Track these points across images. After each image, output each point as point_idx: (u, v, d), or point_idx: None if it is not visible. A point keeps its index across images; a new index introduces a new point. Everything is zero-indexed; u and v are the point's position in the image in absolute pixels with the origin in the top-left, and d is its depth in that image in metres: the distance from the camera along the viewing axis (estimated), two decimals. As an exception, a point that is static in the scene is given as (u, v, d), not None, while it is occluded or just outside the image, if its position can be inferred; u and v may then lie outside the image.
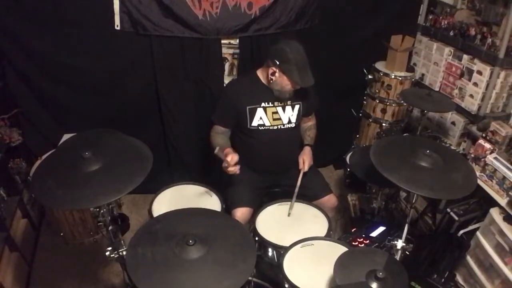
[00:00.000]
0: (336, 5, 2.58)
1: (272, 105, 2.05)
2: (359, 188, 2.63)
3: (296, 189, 2.04)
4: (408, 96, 2.43)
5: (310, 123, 2.31)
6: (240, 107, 2.03)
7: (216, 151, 1.93)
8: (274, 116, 2.05)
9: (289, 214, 1.99)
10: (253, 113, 2.03)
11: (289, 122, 2.08)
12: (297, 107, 2.09)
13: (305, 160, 2.13)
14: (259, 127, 2.05)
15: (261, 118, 2.04)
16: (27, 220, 2.46)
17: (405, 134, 2.89)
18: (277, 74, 1.92)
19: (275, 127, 2.06)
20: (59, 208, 2.25)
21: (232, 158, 1.87)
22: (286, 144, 2.12)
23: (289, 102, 2.07)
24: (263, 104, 2.03)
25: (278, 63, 1.89)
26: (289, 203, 2.03)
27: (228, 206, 2.03)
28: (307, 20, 2.53)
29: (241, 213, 1.98)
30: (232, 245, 1.31)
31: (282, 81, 1.94)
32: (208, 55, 2.46)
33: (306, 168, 2.11)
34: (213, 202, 2.01)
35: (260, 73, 2.06)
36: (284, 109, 2.07)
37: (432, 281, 1.95)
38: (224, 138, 2.08)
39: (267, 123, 2.05)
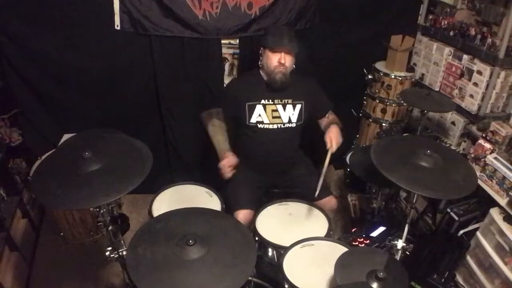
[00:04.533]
0: (336, 5, 2.58)
1: (272, 102, 2.05)
2: (359, 188, 2.64)
3: (324, 170, 1.90)
4: (408, 96, 2.43)
5: (331, 117, 2.22)
6: (239, 103, 2.04)
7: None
8: (274, 114, 2.05)
9: (316, 195, 1.88)
10: (252, 109, 2.03)
11: (290, 121, 2.08)
12: (298, 106, 2.09)
13: (333, 138, 1.97)
14: (258, 125, 2.05)
15: (259, 115, 2.04)
16: (27, 220, 2.46)
17: (405, 134, 2.89)
18: (263, 53, 2.00)
19: (275, 126, 2.06)
20: (59, 209, 2.25)
21: (227, 161, 1.90)
22: (285, 143, 2.11)
23: (290, 101, 2.07)
24: (262, 101, 2.04)
25: (260, 42, 2.02)
26: (289, 203, 2.04)
27: (228, 207, 2.03)
28: (307, 20, 2.53)
29: (242, 215, 1.98)
30: (232, 245, 1.30)
31: (267, 58, 1.98)
32: (208, 55, 2.46)
33: (334, 147, 1.96)
34: (213, 202, 2.01)
35: (261, 70, 2.07)
36: (284, 108, 2.06)
37: (432, 281, 1.95)
38: (224, 134, 2.08)
39: (266, 121, 2.05)
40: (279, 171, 2.19)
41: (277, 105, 2.05)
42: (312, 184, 2.17)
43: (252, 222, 1.95)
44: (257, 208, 2.02)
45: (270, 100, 2.05)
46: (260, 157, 2.12)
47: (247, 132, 2.09)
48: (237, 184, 2.08)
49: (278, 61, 1.95)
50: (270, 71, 1.98)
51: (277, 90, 2.04)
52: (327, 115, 2.21)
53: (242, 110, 2.04)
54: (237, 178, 2.13)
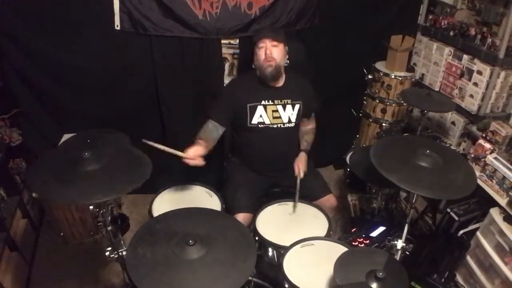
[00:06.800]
0: (336, 5, 2.58)
1: (272, 103, 2.05)
2: (359, 188, 2.64)
3: (297, 194, 2.02)
4: (408, 96, 2.43)
5: (309, 126, 2.30)
6: (240, 105, 2.03)
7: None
8: (274, 115, 2.06)
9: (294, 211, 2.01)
10: (253, 110, 2.03)
11: (289, 121, 2.08)
12: (297, 106, 2.09)
13: (300, 167, 2.14)
14: (259, 125, 2.05)
15: (261, 116, 2.04)
16: (27, 220, 2.46)
17: (405, 134, 2.89)
18: (254, 54, 2.02)
19: (275, 126, 2.06)
20: (56, 200, 2.20)
21: (191, 151, 1.91)
22: (285, 142, 2.12)
23: (289, 101, 2.07)
24: (263, 102, 2.04)
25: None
26: (289, 203, 2.04)
27: (228, 209, 2.03)
28: (307, 20, 2.53)
29: (241, 218, 1.97)
30: (232, 245, 1.31)
31: (256, 56, 2.01)
32: (208, 55, 2.46)
33: (302, 175, 2.12)
34: (213, 202, 2.01)
35: (256, 71, 2.07)
36: (284, 108, 2.07)
37: (432, 281, 1.94)
38: (208, 133, 2.03)
39: (267, 121, 2.05)
40: (279, 170, 2.20)
41: (277, 106, 2.06)
42: (312, 184, 2.18)
43: (252, 222, 1.95)
44: (256, 210, 2.01)
45: (270, 101, 2.05)
46: (260, 157, 2.12)
47: (248, 134, 2.09)
48: (237, 187, 2.09)
49: (264, 54, 1.97)
50: (260, 66, 2.00)
51: (273, 88, 2.05)
52: (310, 117, 2.28)
53: (243, 112, 2.03)
54: (237, 180, 2.13)
